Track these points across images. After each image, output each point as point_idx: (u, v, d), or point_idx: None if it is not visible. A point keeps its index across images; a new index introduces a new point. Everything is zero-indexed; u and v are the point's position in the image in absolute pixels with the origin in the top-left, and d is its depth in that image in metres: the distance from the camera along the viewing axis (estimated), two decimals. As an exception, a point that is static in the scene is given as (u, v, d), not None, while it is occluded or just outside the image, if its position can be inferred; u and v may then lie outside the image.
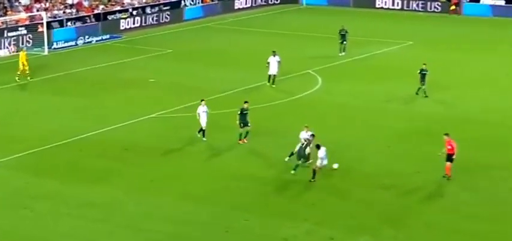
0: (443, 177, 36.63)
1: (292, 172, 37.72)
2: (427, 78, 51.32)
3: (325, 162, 36.93)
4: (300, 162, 37.73)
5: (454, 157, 36.42)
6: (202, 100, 43.53)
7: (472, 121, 46.74)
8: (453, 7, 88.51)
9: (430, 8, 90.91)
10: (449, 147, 36.48)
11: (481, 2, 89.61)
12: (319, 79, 57.28)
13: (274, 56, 54.58)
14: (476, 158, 39.73)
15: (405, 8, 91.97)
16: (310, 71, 59.38)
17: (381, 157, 40.02)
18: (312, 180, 36.76)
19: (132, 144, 43.02)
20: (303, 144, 37.92)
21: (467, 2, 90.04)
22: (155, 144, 43.08)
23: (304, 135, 38.24)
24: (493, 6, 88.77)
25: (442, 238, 31.40)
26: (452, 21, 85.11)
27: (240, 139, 42.65)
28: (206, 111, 42.84)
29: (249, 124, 42.61)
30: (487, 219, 33.04)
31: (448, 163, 36.46)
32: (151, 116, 48.23)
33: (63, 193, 36.09)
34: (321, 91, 54.45)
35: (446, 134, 36.87)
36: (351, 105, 50.76)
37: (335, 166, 37.15)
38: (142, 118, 47.67)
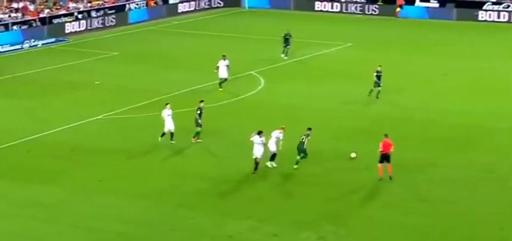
0: (379, 180, 36.86)
1: (295, 167, 38.39)
2: (382, 79, 51.83)
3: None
4: (300, 157, 38.45)
5: (389, 157, 36.75)
6: (167, 104, 43.34)
7: (412, 121, 47.53)
8: (398, 9, 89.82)
9: (368, 11, 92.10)
10: (384, 147, 36.65)
11: (416, 5, 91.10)
12: (262, 80, 57.82)
13: (224, 60, 54.92)
14: (416, 157, 40.44)
15: (344, 10, 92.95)
16: (252, 72, 59.89)
17: (323, 155, 40.61)
18: (254, 171, 37.61)
19: (80, 145, 43.03)
20: (302, 139, 38.62)
21: (403, 4, 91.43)
22: (103, 145, 43.15)
23: (277, 134, 38.53)
24: (428, 9, 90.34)
25: (382, 233, 32.05)
26: (389, 23, 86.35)
27: (194, 137, 43.03)
28: (171, 115, 42.67)
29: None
30: (425, 214, 33.76)
31: (383, 164, 36.66)
32: (98, 117, 48.23)
33: (12, 194, 36.02)
34: (264, 92, 54.97)
35: (386, 135, 37.40)
36: (293, 105, 51.34)
37: (353, 155, 37.65)
38: (89, 119, 47.65)
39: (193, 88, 55.22)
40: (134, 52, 69.87)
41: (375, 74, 51.86)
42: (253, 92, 54.60)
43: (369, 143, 40.53)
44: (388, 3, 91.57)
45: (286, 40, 65.21)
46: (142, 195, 35.78)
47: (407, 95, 53.29)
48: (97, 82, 57.73)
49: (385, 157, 36.69)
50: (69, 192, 36.13)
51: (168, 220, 33.06)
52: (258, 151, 37.85)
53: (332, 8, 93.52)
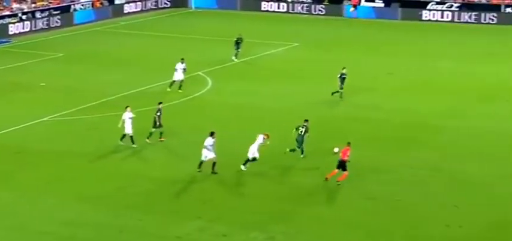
0: (338, 184, 36.75)
1: (302, 156, 39.44)
2: (345, 82, 51.67)
3: (210, 155, 37.37)
4: (299, 148, 39.41)
5: (345, 164, 36.59)
6: (127, 106, 42.74)
7: (359, 120, 47.61)
8: (353, 8, 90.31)
9: (315, 11, 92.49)
10: (342, 153, 36.54)
11: (362, 4, 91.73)
12: (209, 80, 57.63)
13: (181, 62, 54.62)
14: (364, 155, 40.36)
15: (290, 11, 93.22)
16: (200, 73, 59.65)
17: (273, 155, 40.52)
18: (198, 170, 37.56)
19: (26, 147, 42.36)
20: (301, 131, 39.41)
21: (349, 4, 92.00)
22: (49, 147, 42.53)
23: (261, 140, 38.22)
24: (375, 8, 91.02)
25: (330, 231, 32.10)
26: (336, 23, 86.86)
27: (148, 138, 42.76)
28: (132, 118, 42.10)
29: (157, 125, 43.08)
30: (372, 212, 33.94)
31: (338, 170, 36.47)
32: (43, 119, 47.53)
33: (-44, 198, 35.39)
34: (212, 92, 54.78)
35: (348, 143, 37.08)
36: (241, 104, 51.25)
37: (336, 150, 37.66)
38: (35, 121, 46.95)
39: (141, 89, 54.78)
40: (80, 53, 69.13)
41: (339, 75, 51.82)
42: (201, 92, 54.38)
43: (317, 143, 40.62)
44: (334, 3, 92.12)
45: (238, 44, 64.91)
46: (89, 197, 35.33)
47: (355, 95, 53.46)
48: (42, 83, 56.94)
49: (341, 164, 36.55)
50: (14, 195, 35.54)
51: (116, 222, 32.69)
52: (206, 154, 37.55)
53: (278, 8, 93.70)
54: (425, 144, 43.16)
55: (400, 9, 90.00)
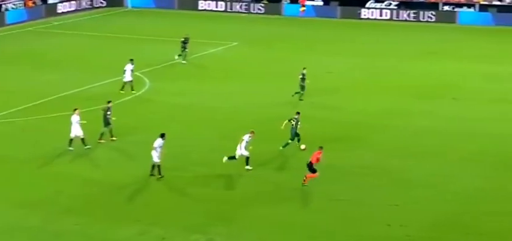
0: (303, 185, 36.66)
1: (302, 148, 40.22)
2: (305, 83, 51.72)
3: (156, 159, 37.11)
4: (292, 140, 40.75)
5: (312, 166, 36.68)
6: (75, 109, 42.07)
7: (301, 119, 47.81)
8: (303, 8, 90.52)
9: (254, 10, 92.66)
10: (317, 157, 36.61)
11: (300, 3, 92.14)
12: (147, 81, 57.29)
13: (131, 64, 54.17)
14: (306, 156, 40.85)
15: (228, 9, 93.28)
16: (137, 73, 59.23)
17: (213, 155, 40.42)
18: (152, 175, 37.17)
19: (-43, 151, 41.64)
20: (292, 124, 40.70)
21: (287, 3, 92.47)
22: (-19, 151, 41.86)
23: (247, 138, 38.37)
24: (314, 7, 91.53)
25: (272, 232, 32.12)
26: (275, 22, 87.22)
27: (100, 139, 42.44)
28: (79, 121, 41.39)
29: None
30: (314, 212, 34.13)
31: (311, 173, 36.63)
32: (-25, 122, 46.83)
33: None
34: (151, 92, 54.44)
35: (321, 147, 37.10)
36: (180, 104, 51.09)
37: (303, 147, 38.39)
38: (-34, 125, 46.22)
39: (78, 90, 54.19)
40: (12, 53, 68.15)
41: (300, 76, 51.80)
42: (139, 93, 54.01)
43: (256, 143, 40.64)
44: (273, 2, 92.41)
45: (184, 44, 64.32)
46: (25, 202, 34.80)
47: (290, 92, 53.69)
48: (-27, 85, 56.06)
49: (309, 167, 36.60)
50: None
51: (51, 226, 32.27)
52: (155, 156, 37.30)
53: (216, 7, 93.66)
54: (366, 143, 43.51)
55: (339, 7, 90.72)
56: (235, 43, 73.22)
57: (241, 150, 38.38)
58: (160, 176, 37.26)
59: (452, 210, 34.30)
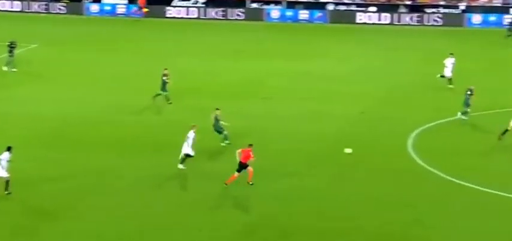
0: (249, 184, 36.41)
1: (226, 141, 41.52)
2: (167, 85, 50.60)
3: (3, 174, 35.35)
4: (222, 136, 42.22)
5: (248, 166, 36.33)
6: None
7: (105, 123, 47.15)
8: (146, 9, 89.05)
9: (54, 10, 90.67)
10: (246, 155, 36.25)
11: (102, 2, 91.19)
12: None
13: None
14: (103, 160, 40.15)
15: (25, 9, 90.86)
16: None
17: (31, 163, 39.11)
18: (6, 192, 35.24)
19: None
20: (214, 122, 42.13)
21: (89, 1, 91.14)
22: None
23: (191, 134, 38.23)
24: (115, 5, 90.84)
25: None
26: (77, 21, 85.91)
27: None
28: None
29: None
30: (122, 219, 33.66)
31: (247, 169, 36.34)
32: None
33: None
34: None
35: (251, 145, 36.67)
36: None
37: (348, 150, 38.42)
38: None
39: None
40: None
41: (162, 78, 50.62)
42: None
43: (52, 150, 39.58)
44: (74, 1, 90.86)
45: (11, 49, 61.14)
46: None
47: (102, 94, 52.80)
48: None
49: (241, 167, 36.32)
50: None
51: None
52: (1, 170, 35.34)
53: (12, 7, 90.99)
54: (167, 146, 42.96)
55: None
56: (35, 45, 71.26)
57: (187, 149, 38.16)
58: (7, 192, 35.33)
59: (268, 212, 34.56)
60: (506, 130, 43.19)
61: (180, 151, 38.64)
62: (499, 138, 43.32)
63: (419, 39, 79.32)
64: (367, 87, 56.70)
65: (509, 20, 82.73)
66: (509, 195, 35.97)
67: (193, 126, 39.04)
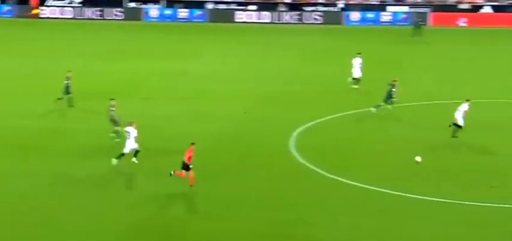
0: (191, 187, 36.09)
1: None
2: (70, 89, 49.53)
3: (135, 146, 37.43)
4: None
5: (190, 166, 35.98)
6: None
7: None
8: (37, 11, 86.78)
9: None
10: (189, 156, 35.96)
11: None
12: None
13: None
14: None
15: None
16: None
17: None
18: None
19: None
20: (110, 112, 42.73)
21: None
22: None
23: (131, 129, 38.86)
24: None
25: None
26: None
27: None
28: None
29: None
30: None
31: (188, 172, 36.05)
32: None
33: None
34: None
35: (193, 143, 36.37)
36: None
37: (418, 159, 38.47)
38: None
39: None
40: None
41: (65, 81, 49.46)
42: None
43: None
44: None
45: None
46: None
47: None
48: None
49: (184, 166, 36.15)
50: None
51: None
52: None
53: None
54: (45, 151, 42.48)
55: (18, 6, 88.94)
56: None
57: (130, 144, 38.74)
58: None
59: (149, 214, 34.49)
60: (454, 124, 44.13)
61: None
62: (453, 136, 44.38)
63: (299, 37, 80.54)
64: (248, 87, 57.24)
65: (415, 19, 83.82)
66: (387, 191, 36.93)
67: (131, 122, 39.35)
